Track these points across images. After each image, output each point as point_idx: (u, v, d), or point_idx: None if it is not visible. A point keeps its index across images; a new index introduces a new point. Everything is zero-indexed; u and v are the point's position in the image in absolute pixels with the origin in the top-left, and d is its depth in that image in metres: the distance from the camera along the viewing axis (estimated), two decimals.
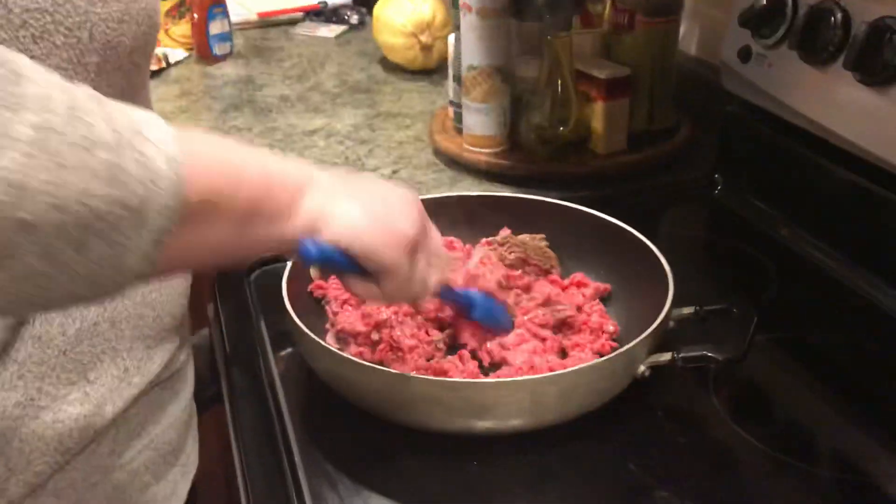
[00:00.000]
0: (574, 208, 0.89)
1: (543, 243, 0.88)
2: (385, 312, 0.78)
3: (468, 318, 0.77)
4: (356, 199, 0.57)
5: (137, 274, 0.43)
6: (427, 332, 0.77)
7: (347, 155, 1.19)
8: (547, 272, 0.86)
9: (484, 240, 0.89)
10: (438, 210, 0.87)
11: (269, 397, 0.76)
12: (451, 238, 0.90)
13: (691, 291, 0.76)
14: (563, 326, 0.80)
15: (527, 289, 0.84)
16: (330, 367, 0.71)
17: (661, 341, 0.73)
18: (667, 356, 0.71)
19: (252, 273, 0.96)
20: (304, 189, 0.55)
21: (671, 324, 0.76)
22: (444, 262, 0.65)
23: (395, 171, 1.16)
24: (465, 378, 0.73)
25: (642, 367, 0.71)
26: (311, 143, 1.22)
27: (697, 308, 0.77)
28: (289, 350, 0.82)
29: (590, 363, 0.69)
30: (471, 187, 1.11)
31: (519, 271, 0.85)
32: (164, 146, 0.43)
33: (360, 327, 0.77)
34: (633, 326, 0.77)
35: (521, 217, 0.91)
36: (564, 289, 0.85)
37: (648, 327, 0.71)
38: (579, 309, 0.81)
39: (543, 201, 0.92)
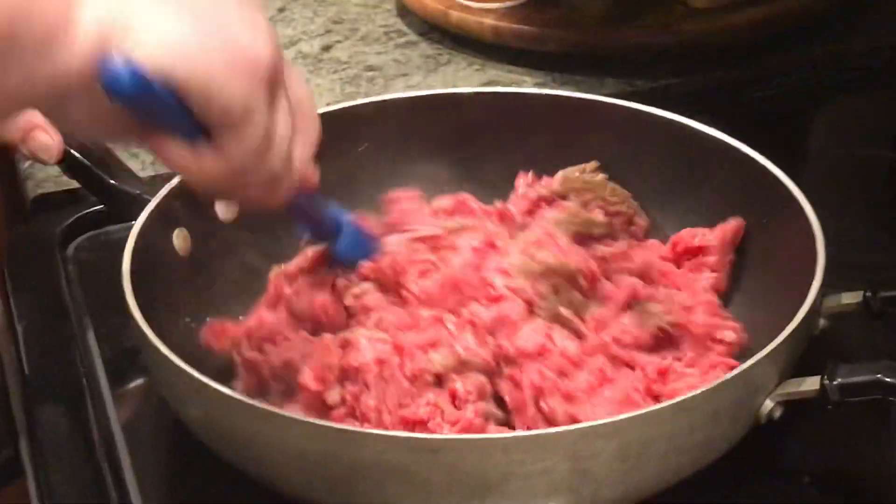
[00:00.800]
0: (648, 114, 0.89)
1: (601, 177, 0.89)
2: (368, 351, 0.76)
3: (328, 247, 0.82)
4: (171, 2, 0.59)
5: None
6: (456, 401, 0.74)
7: None
8: (629, 223, 0.89)
9: (520, 185, 0.90)
10: (402, 120, 0.85)
11: (104, 466, 0.76)
12: (461, 196, 0.90)
13: (857, 263, 0.76)
14: (663, 341, 0.81)
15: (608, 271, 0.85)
16: (213, 415, 0.71)
17: (803, 356, 0.73)
18: (813, 383, 0.71)
19: (70, 242, 0.94)
20: None
21: (821, 323, 0.76)
22: (311, 126, 0.67)
23: (326, 47, 1.17)
24: (454, 433, 0.72)
25: (770, 404, 0.71)
26: None
27: (868, 294, 0.77)
28: (138, 382, 0.83)
29: (670, 402, 0.68)
30: (465, 77, 1.11)
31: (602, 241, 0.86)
32: None
33: (311, 382, 0.75)
34: (751, 330, 0.78)
35: (556, 130, 0.92)
36: (677, 261, 0.87)
37: (778, 331, 0.71)
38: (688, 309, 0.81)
39: (596, 102, 0.93)
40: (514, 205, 0.90)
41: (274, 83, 0.62)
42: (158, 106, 0.59)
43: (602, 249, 0.86)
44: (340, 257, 0.82)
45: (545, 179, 0.91)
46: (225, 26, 0.60)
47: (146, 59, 0.57)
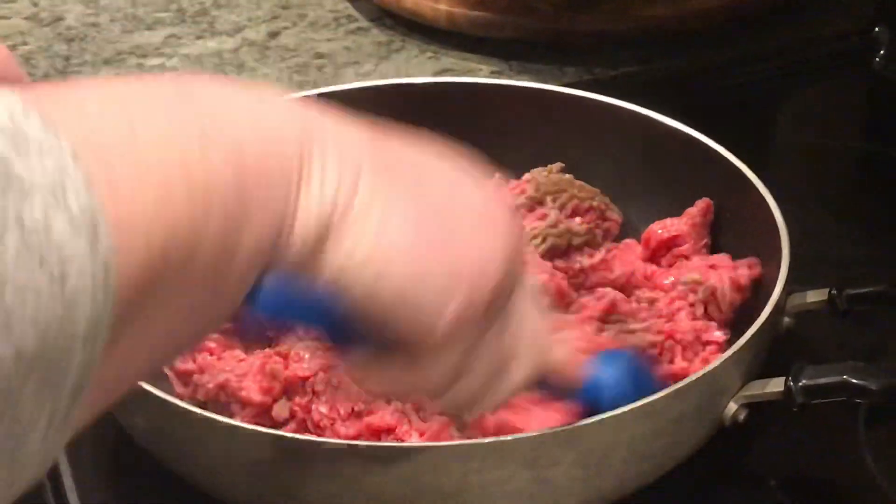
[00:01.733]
0: (608, 104, 0.89)
1: (569, 176, 0.88)
2: (311, 360, 0.74)
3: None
4: (405, 195, 0.52)
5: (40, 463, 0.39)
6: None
7: (182, 5, 1.18)
8: (602, 219, 0.88)
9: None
10: (353, 111, 0.86)
11: (43, 480, 0.75)
12: None
13: (824, 257, 0.76)
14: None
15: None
16: (159, 425, 0.71)
17: (769, 356, 0.73)
18: (778, 384, 0.71)
19: None
20: (304, 163, 0.49)
21: (787, 322, 0.76)
22: (528, 358, 0.59)
23: (273, 34, 1.15)
24: (420, 441, 0.72)
25: (734, 406, 0.71)
26: None
27: (834, 292, 0.76)
28: None
29: (630, 406, 0.67)
30: (419, 65, 1.10)
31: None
32: (74, 198, 0.37)
33: (255, 394, 0.74)
34: None
35: (513, 122, 0.91)
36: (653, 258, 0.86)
37: (743, 331, 0.71)
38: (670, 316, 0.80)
39: (554, 92, 0.92)
40: None
41: (489, 312, 0.54)
42: (320, 326, 0.55)
43: (581, 261, 0.85)
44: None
45: (515, 183, 0.90)
46: (457, 237, 0.53)
47: (347, 276, 0.50)
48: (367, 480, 0.66)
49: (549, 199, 0.87)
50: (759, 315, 0.72)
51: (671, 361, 0.79)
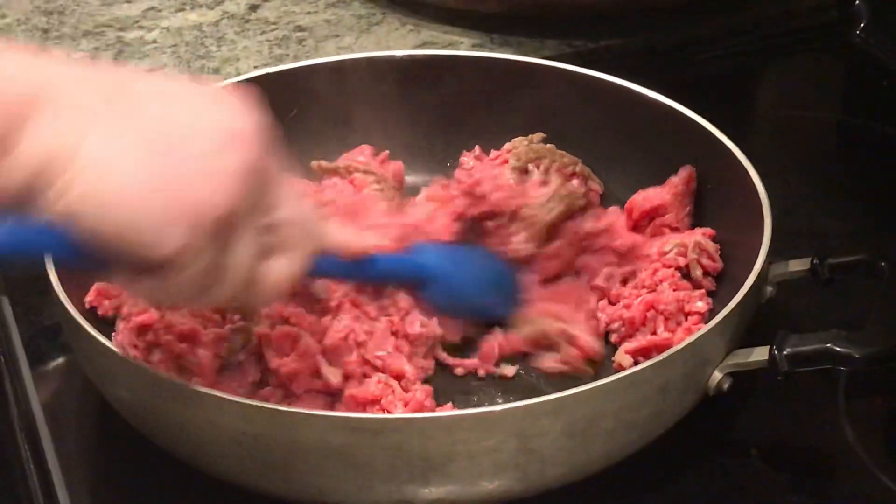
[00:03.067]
0: (588, 76, 0.90)
1: (550, 145, 0.89)
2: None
3: (425, 300, 0.78)
4: (130, 133, 0.56)
5: None
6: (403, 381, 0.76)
7: None
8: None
9: (466, 161, 0.92)
10: (334, 84, 0.84)
11: (24, 448, 0.76)
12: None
13: (805, 229, 0.77)
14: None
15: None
16: (141, 396, 0.70)
17: (752, 325, 0.73)
18: (762, 353, 0.71)
19: None
20: (31, 108, 0.55)
21: (769, 291, 0.77)
22: (302, 243, 0.64)
23: (253, 6, 1.15)
24: (405, 411, 0.73)
25: (718, 375, 0.72)
26: None
27: (816, 261, 0.77)
28: (59, 361, 0.82)
29: (616, 375, 0.68)
30: (399, 38, 1.10)
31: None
32: None
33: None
34: None
35: (494, 94, 0.92)
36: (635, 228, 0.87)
37: (727, 300, 0.72)
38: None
39: (535, 65, 0.93)
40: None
41: (227, 226, 0.59)
42: (55, 254, 0.60)
43: (587, 225, 0.85)
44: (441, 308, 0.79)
45: (496, 154, 0.90)
46: (182, 169, 0.57)
47: (76, 205, 0.55)
48: (355, 452, 0.66)
49: (531, 166, 0.86)
50: (742, 285, 0.72)
51: (654, 332, 0.80)
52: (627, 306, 0.81)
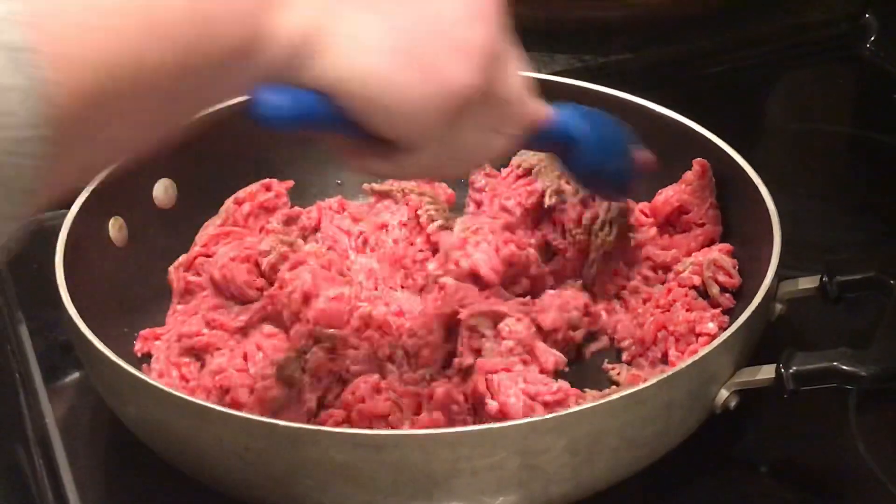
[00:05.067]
0: (597, 92, 0.90)
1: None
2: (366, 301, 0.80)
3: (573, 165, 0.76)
4: (379, 8, 0.58)
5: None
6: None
7: None
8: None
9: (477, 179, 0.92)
10: None
11: (39, 463, 0.76)
12: None
13: (815, 246, 0.76)
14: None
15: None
16: (150, 413, 0.71)
17: (761, 343, 0.73)
18: (769, 371, 0.71)
19: None
20: None
21: (778, 309, 0.76)
22: (517, 121, 0.65)
23: None
24: (413, 430, 0.72)
25: (725, 393, 0.71)
26: None
27: (825, 279, 0.77)
28: (73, 377, 0.82)
29: (621, 393, 0.68)
30: None
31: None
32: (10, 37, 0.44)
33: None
34: None
35: None
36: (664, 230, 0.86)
37: (735, 317, 0.72)
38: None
39: (544, 81, 0.91)
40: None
41: (468, 104, 0.60)
42: (324, 125, 0.59)
43: (634, 237, 0.86)
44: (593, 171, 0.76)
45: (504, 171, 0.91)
46: (431, 37, 0.58)
47: (336, 78, 0.56)
48: (359, 467, 0.65)
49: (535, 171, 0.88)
50: (750, 302, 0.72)
51: (664, 352, 0.79)
52: (640, 325, 0.81)
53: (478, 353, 0.77)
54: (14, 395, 0.81)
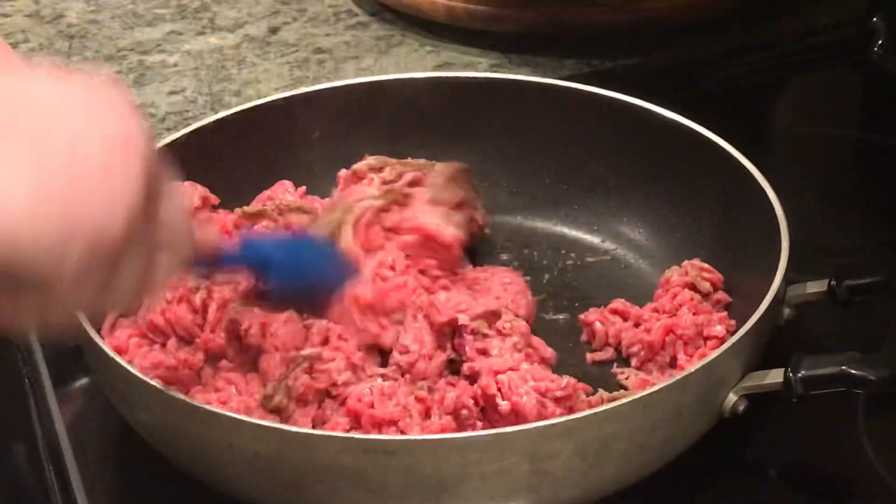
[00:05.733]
0: (605, 97, 0.90)
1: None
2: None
3: (272, 287, 0.77)
4: (11, 150, 0.54)
5: None
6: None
7: (183, 1, 1.20)
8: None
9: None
10: (355, 106, 0.84)
11: (48, 468, 0.76)
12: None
13: (823, 250, 0.76)
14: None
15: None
16: (160, 418, 0.70)
17: (769, 347, 0.73)
18: (777, 375, 0.71)
19: None
20: None
21: (787, 313, 0.76)
22: (180, 244, 0.63)
23: (273, 29, 1.15)
24: (422, 434, 0.72)
25: (733, 398, 0.71)
26: None
27: (833, 283, 0.76)
28: (82, 382, 0.82)
29: (630, 397, 0.67)
30: (419, 59, 1.10)
31: None
32: None
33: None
34: None
35: (513, 115, 0.92)
36: None
37: (743, 321, 0.71)
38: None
39: (553, 86, 0.93)
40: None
41: (116, 251, 0.57)
42: None
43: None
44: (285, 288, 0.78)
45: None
46: (71, 185, 0.55)
47: None
48: (368, 472, 0.65)
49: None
50: (758, 306, 0.72)
51: (673, 356, 0.79)
52: (648, 330, 0.81)
53: (485, 354, 0.77)
54: (24, 399, 0.81)
